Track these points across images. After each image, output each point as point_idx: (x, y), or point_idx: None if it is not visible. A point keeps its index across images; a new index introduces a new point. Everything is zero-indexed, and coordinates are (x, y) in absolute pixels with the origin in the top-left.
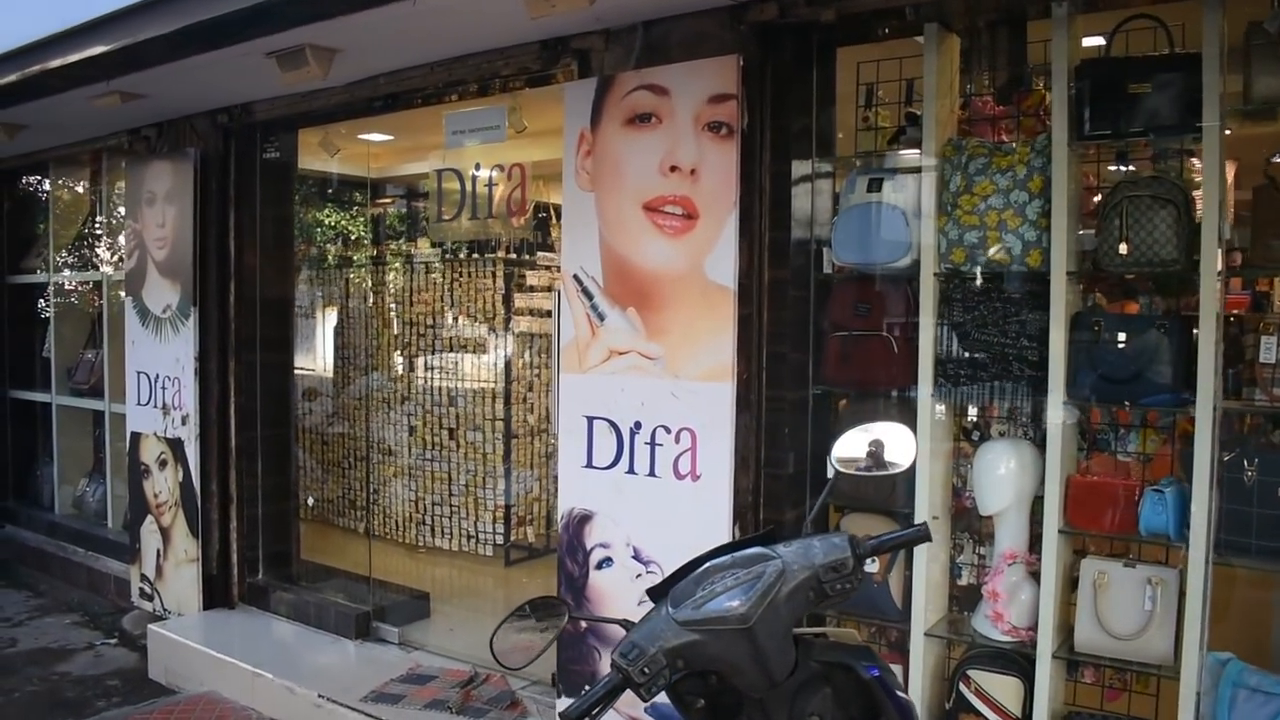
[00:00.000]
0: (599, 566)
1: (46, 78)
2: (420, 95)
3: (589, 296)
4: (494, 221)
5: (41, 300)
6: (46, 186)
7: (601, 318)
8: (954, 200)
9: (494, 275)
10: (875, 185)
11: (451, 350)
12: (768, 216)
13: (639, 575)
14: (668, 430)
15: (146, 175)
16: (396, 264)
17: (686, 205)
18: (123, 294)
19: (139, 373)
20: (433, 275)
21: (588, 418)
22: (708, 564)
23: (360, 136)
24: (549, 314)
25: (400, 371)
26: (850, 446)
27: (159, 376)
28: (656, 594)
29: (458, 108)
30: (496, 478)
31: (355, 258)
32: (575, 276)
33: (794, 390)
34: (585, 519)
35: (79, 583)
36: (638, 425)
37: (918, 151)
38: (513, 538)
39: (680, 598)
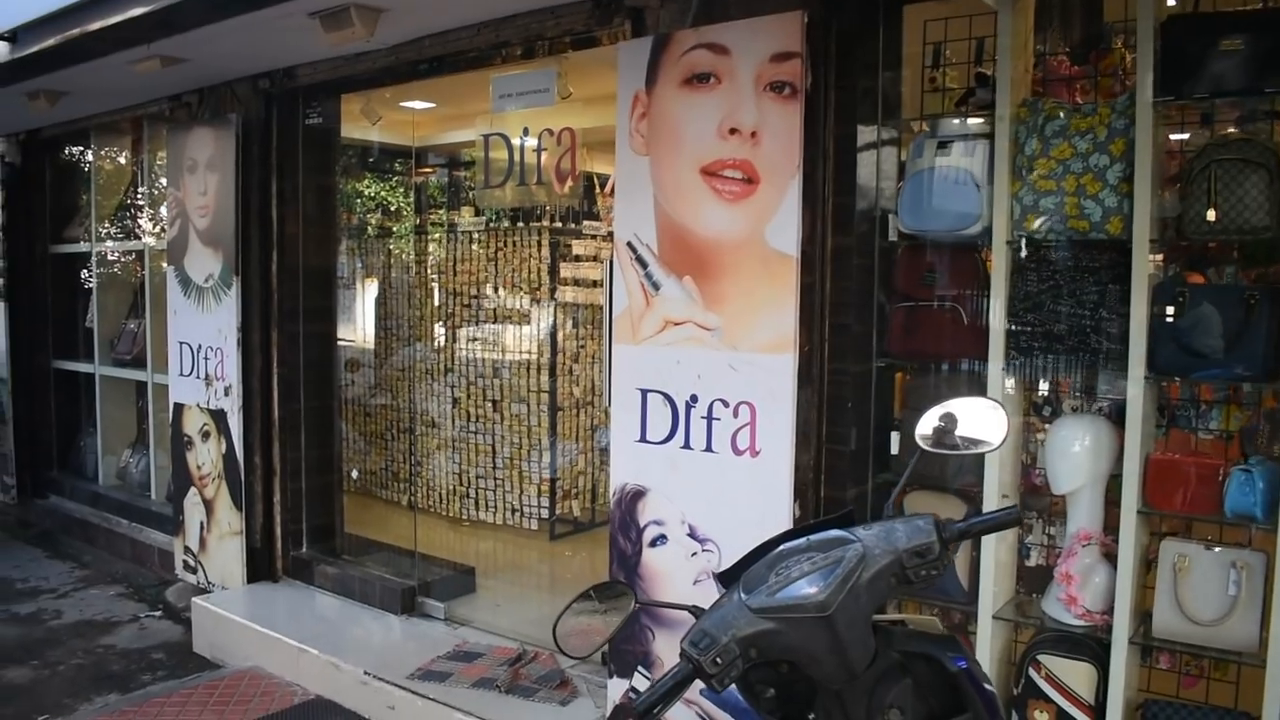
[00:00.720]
0: (653, 544)
1: (86, 41)
2: (466, 58)
3: (643, 265)
4: (541, 188)
5: (84, 270)
6: (88, 156)
7: (656, 287)
8: (1029, 164)
9: (539, 244)
10: (944, 148)
11: (495, 321)
12: (831, 181)
13: (694, 553)
14: (725, 404)
15: (188, 142)
16: (439, 233)
17: (747, 169)
18: (165, 263)
19: (181, 343)
20: (476, 245)
21: (641, 390)
22: (781, 547)
23: (403, 104)
24: (595, 284)
25: (443, 343)
26: (936, 423)
27: (201, 347)
28: (727, 578)
29: (504, 71)
30: (541, 451)
31: (397, 228)
32: (629, 244)
33: (857, 363)
34: (638, 495)
35: (123, 554)
36: (694, 398)
37: (987, 114)
38: (558, 511)
39: (753, 583)
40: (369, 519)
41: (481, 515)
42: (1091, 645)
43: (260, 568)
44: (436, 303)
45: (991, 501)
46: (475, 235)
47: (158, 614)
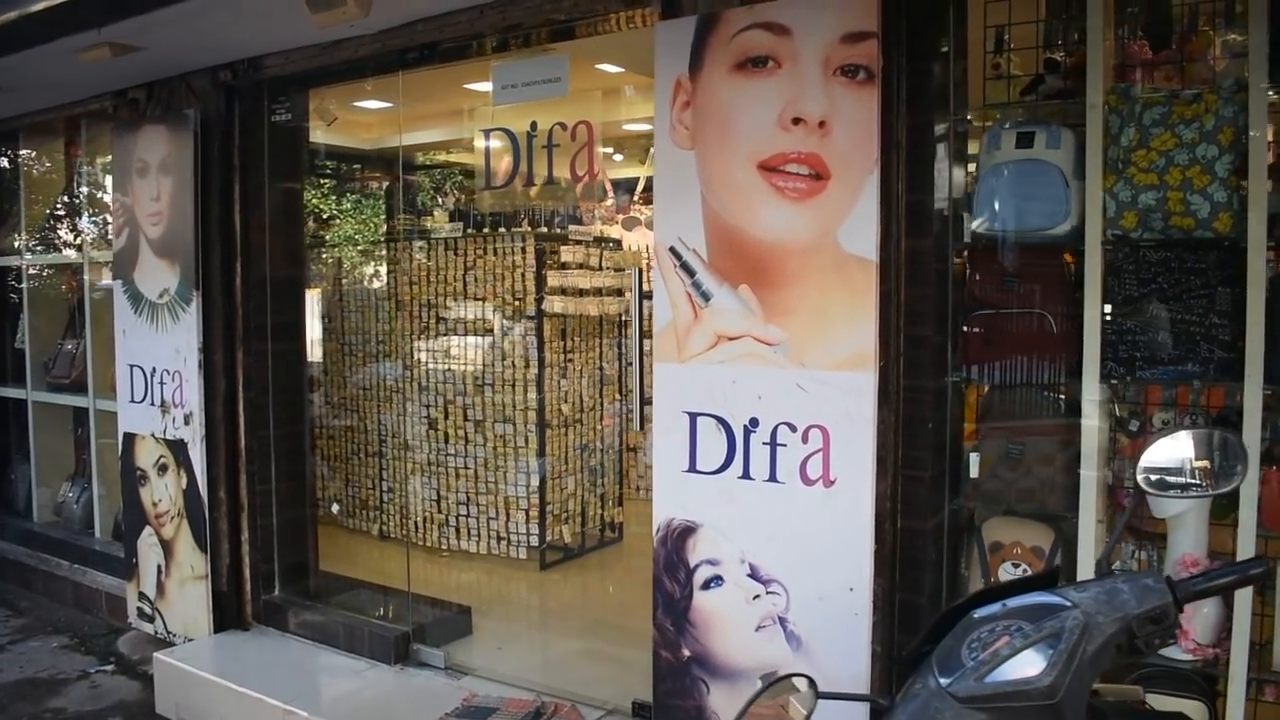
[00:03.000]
0: (705, 586)
1: (28, 25)
2: (464, 44)
3: (690, 273)
4: (554, 187)
5: (14, 285)
6: (16, 159)
7: (706, 298)
8: (1125, 156)
9: (523, 251)
10: (1025, 140)
11: (476, 334)
12: (903, 177)
13: (756, 596)
14: (792, 428)
15: (137, 142)
16: (415, 241)
17: (814, 164)
18: (107, 278)
19: (132, 366)
20: (454, 252)
21: (690, 414)
22: (972, 614)
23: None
24: (583, 293)
25: (419, 358)
26: (1163, 458)
27: (156, 370)
28: (911, 661)
29: (506, 59)
30: (529, 473)
31: (364, 234)
32: (672, 250)
33: (934, 378)
34: (687, 531)
35: (64, 599)
36: (754, 422)
37: (1069, 103)
38: (548, 538)
39: (949, 662)
40: (339, 553)
41: (464, 544)
42: (1197, 680)
43: (228, 614)
44: (412, 314)
45: (1089, 527)
46: (453, 242)
47: (109, 668)
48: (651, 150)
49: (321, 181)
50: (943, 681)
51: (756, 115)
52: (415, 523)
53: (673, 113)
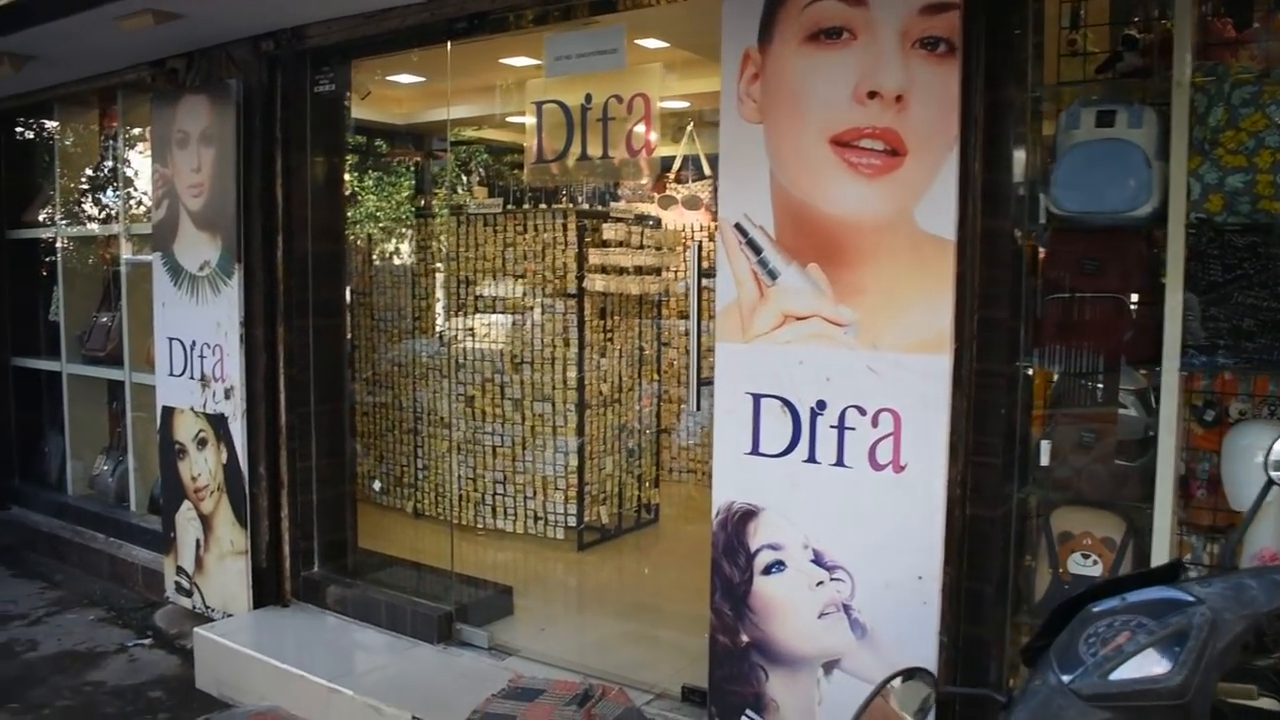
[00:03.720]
0: (766, 571)
1: None
2: (518, 12)
3: (756, 250)
4: (610, 161)
5: (47, 258)
6: (49, 131)
7: (773, 276)
8: (1212, 137)
9: (564, 228)
10: (1106, 119)
11: (515, 312)
12: (980, 154)
13: (820, 583)
14: (862, 411)
15: (178, 112)
16: (453, 216)
17: (890, 139)
18: (143, 250)
19: (171, 339)
20: (494, 228)
21: (753, 395)
22: (1091, 608)
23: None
24: (627, 271)
25: (457, 335)
26: None
27: (196, 343)
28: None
29: (557, 30)
30: (568, 453)
31: (400, 210)
32: (738, 226)
33: (1006, 363)
34: (748, 515)
35: (100, 573)
36: (821, 405)
37: (1149, 81)
38: (585, 519)
39: (1067, 658)
40: (373, 530)
41: (500, 524)
42: (1273, 679)
43: (267, 590)
44: (452, 292)
45: (1164, 518)
46: (493, 218)
47: (147, 642)
48: (689, 128)
49: (356, 156)
50: (1064, 678)
51: (829, 89)
52: (451, 501)
53: (740, 85)
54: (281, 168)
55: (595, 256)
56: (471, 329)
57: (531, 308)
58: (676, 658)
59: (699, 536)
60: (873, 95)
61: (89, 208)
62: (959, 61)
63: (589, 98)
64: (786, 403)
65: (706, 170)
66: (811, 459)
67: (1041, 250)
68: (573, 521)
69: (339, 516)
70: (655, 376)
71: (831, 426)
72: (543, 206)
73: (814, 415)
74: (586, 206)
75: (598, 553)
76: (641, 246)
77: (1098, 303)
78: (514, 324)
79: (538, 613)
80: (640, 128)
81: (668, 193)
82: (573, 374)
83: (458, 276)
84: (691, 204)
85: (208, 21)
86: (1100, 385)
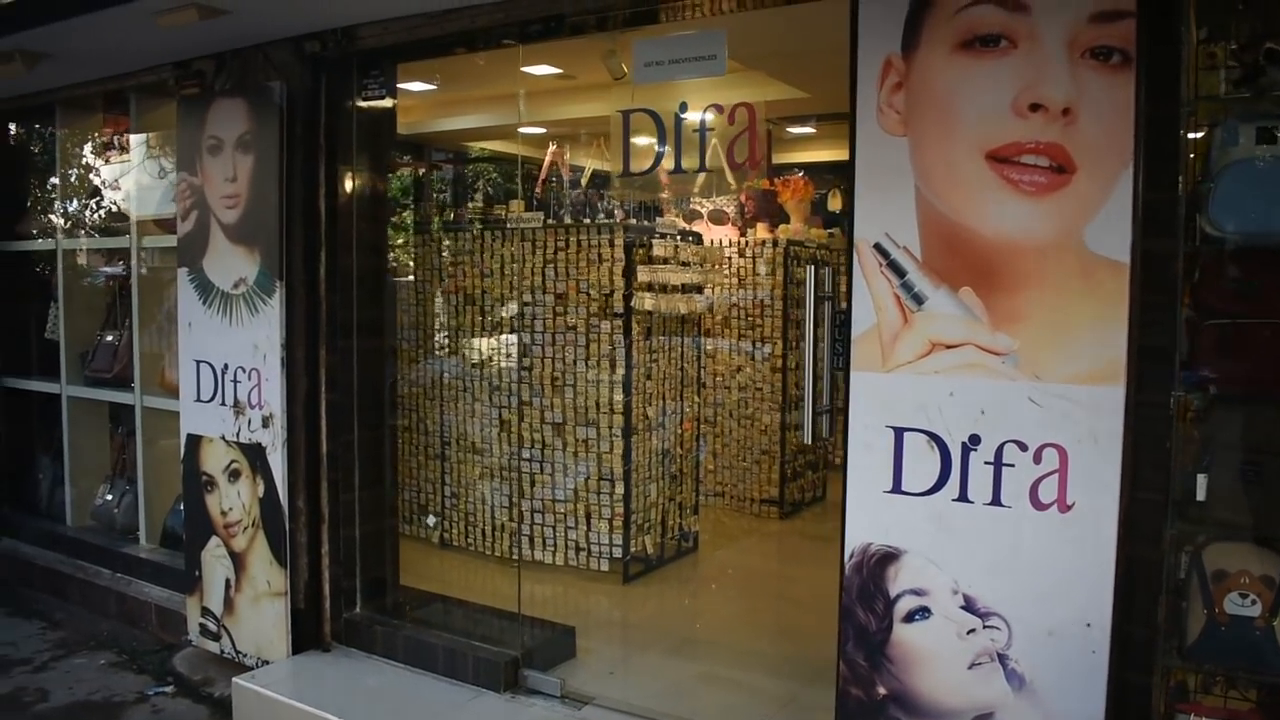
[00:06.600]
0: (908, 619)
1: None
2: (602, 16)
3: (899, 273)
4: (713, 175)
5: (44, 272)
6: (50, 136)
7: (919, 300)
8: None
9: (611, 244)
10: (1266, 136)
11: (562, 331)
12: (1143, 172)
13: (971, 630)
14: (1023, 447)
15: (209, 117)
16: (494, 230)
17: (1056, 155)
18: (157, 262)
19: (199, 362)
20: (533, 242)
21: (894, 429)
22: None
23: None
24: (677, 289)
25: (489, 357)
26: None
27: (229, 367)
28: None
29: (644, 34)
30: (614, 480)
31: (435, 223)
32: (878, 247)
33: (1168, 393)
34: (888, 558)
35: (107, 611)
36: (974, 440)
37: None
38: (631, 549)
39: None
40: (405, 564)
41: (537, 554)
42: None
43: (305, 633)
44: (496, 310)
45: None
46: (529, 233)
47: (169, 690)
48: (712, 141)
49: (403, 169)
50: None
51: (986, 100)
52: (483, 530)
53: (881, 95)
54: (325, 178)
55: (643, 273)
56: (506, 348)
57: (575, 327)
58: (763, 702)
59: (742, 565)
60: (1036, 108)
61: (92, 218)
62: (1133, 73)
63: (684, 106)
64: (934, 437)
65: (732, 184)
66: (963, 498)
67: (1199, 273)
68: (618, 552)
69: (380, 552)
70: (695, 399)
71: (986, 463)
72: (586, 221)
73: (966, 451)
74: (634, 221)
75: (644, 584)
76: (686, 264)
77: (1261, 329)
78: (555, 344)
79: (601, 654)
80: (745, 139)
81: (693, 207)
82: (619, 397)
83: (496, 294)
84: (717, 219)
85: (250, 19)
86: (1266, 416)
